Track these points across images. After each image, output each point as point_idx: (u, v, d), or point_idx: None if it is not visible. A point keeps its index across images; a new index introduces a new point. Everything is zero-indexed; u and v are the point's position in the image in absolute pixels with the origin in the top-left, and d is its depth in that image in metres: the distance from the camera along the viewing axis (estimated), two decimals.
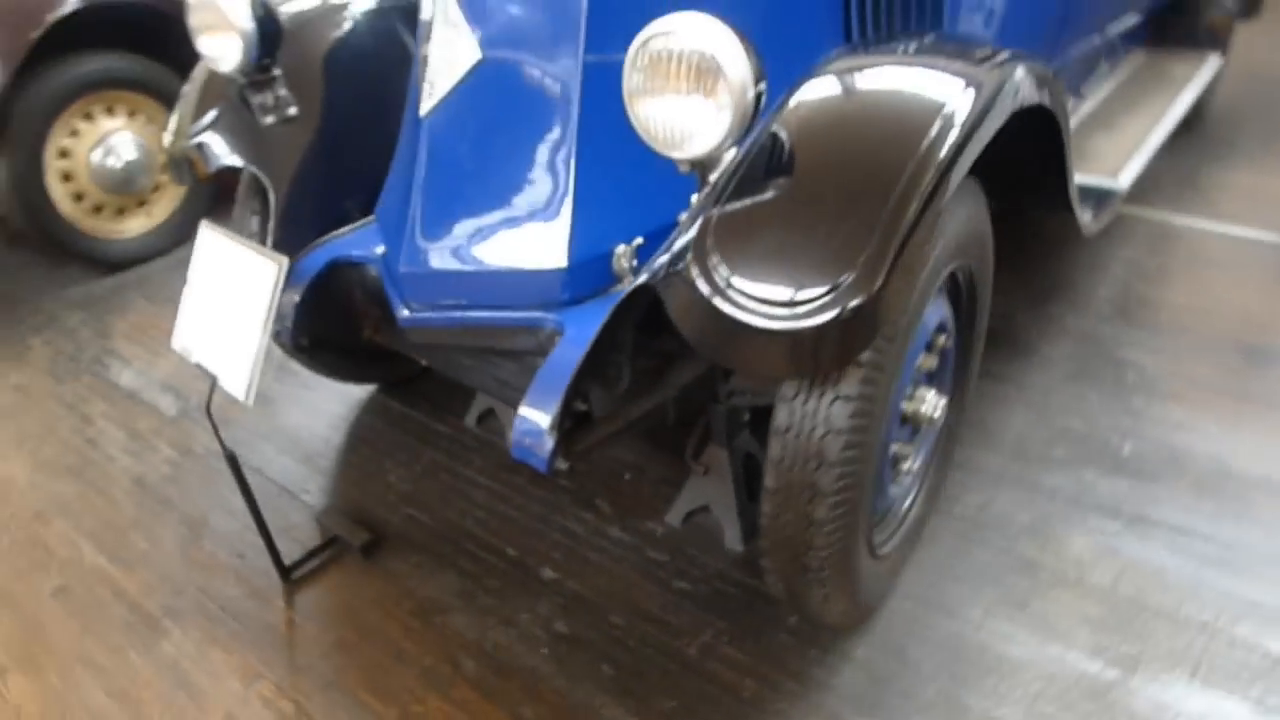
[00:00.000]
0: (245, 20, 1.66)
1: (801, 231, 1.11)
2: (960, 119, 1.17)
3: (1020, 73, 1.32)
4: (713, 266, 1.11)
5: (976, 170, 1.37)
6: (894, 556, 1.59)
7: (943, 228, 1.28)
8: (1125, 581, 1.68)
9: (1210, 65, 3.14)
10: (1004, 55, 1.34)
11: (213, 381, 1.60)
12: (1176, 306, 2.49)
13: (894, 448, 1.46)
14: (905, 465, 1.56)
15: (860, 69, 1.27)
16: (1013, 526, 1.82)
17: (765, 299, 1.08)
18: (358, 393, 2.41)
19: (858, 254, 1.08)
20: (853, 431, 1.20)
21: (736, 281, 1.09)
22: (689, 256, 1.13)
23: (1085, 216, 1.97)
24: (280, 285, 1.49)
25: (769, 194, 1.15)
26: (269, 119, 1.80)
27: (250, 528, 1.82)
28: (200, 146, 1.83)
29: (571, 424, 1.40)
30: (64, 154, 2.92)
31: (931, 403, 1.48)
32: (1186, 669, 1.52)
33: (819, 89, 1.25)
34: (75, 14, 2.75)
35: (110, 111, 2.99)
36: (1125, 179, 2.28)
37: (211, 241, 1.65)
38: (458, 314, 1.55)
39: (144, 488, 2.13)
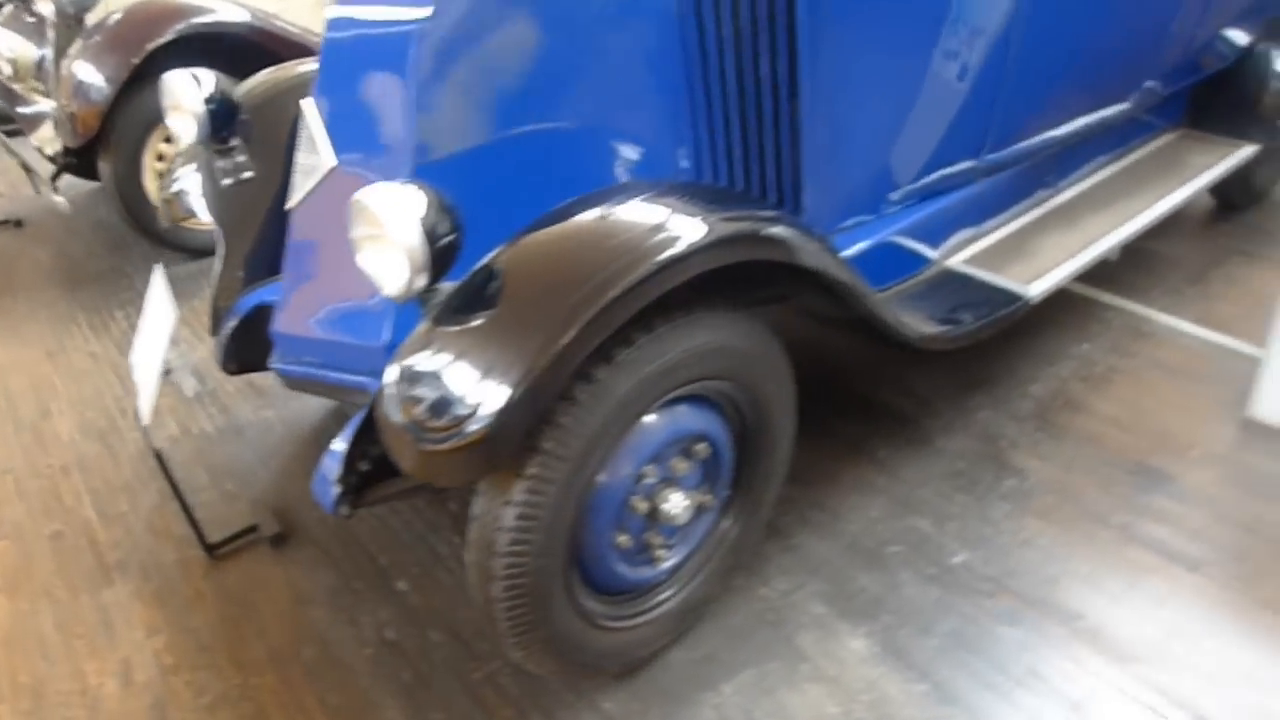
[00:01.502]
0: (198, 105, 2.04)
1: (460, 362, 1.35)
2: (625, 271, 1.36)
3: (732, 228, 1.48)
4: (392, 386, 1.38)
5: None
6: (645, 630, 1.80)
7: (637, 364, 1.47)
8: (878, 688, 1.80)
9: (1238, 156, 2.97)
10: (725, 212, 1.50)
11: (136, 395, 2.02)
12: (1099, 415, 2.47)
13: (621, 539, 1.66)
14: (662, 554, 1.76)
15: (574, 215, 1.48)
16: (805, 616, 1.96)
17: (415, 420, 1.33)
18: (331, 403, 2.81)
19: (494, 386, 1.31)
20: (519, 530, 1.44)
21: (404, 400, 1.35)
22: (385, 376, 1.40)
23: (922, 329, 2.02)
24: (172, 333, 1.88)
25: (456, 325, 1.40)
26: (227, 180, 2.19)
27: (203, 505, 2.25)
28: (178, 194, 2.25)
29: (361, 479, 1.70)
30: (160, 157, 3.49)
31: (676, 504, 1.68)
32: None
33: (532, 232, 1.47)
34: (173, 42, 3.28)
35: None
36: (1037, 289, 2.29)
37: (156, 283, 2.06)
38: (313, 370, 1.88)
39: (143, 457, 2.62)
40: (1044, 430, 2.43)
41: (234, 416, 2.75)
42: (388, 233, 1.35)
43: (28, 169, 3.44)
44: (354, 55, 1.74)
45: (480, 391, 1.32)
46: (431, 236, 1.36)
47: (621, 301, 1.37)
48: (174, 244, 3.64)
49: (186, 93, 2.03)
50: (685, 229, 1.45)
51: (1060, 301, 2.85)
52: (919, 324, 2.00)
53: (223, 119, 2.11)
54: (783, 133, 1.94)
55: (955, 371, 2.66)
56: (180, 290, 3.51)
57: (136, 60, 3.23)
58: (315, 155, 1.79)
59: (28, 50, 3.57)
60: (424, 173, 1.67)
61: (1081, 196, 2.73)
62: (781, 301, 1.93)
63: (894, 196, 2.23)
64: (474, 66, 1.68)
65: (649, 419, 1.62)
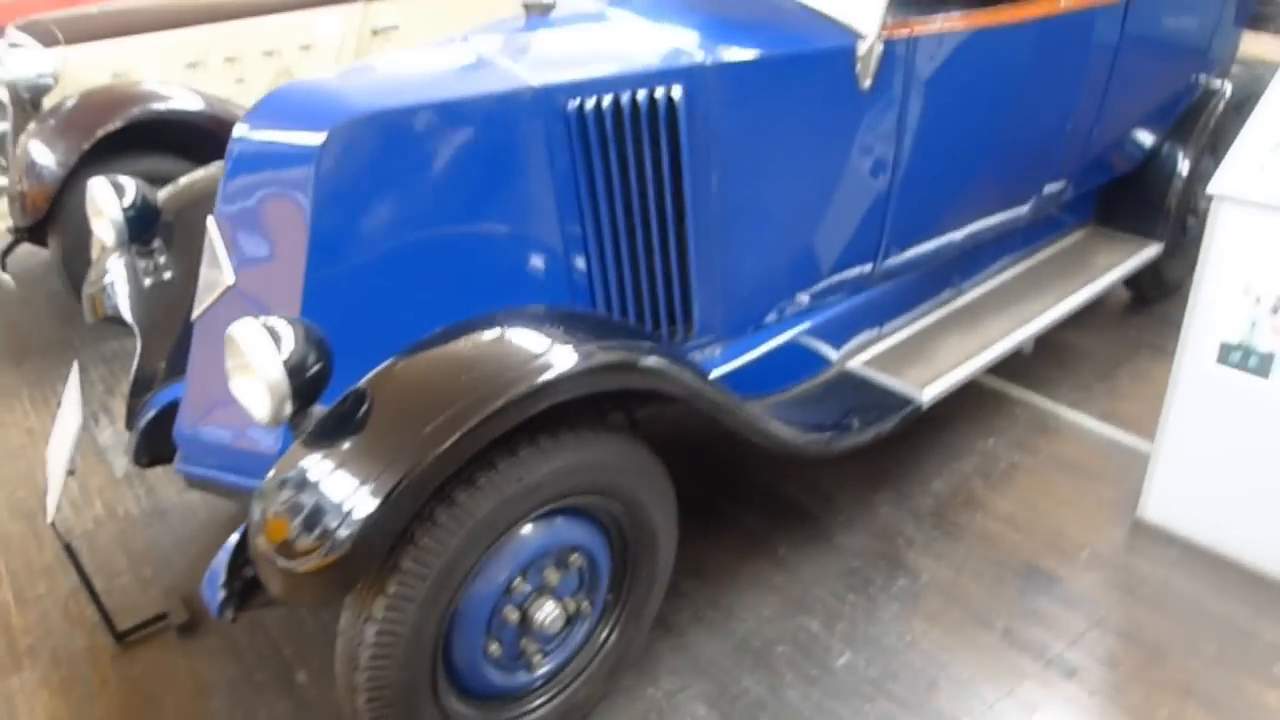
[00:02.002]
0: (117, 213, 2.13)
1: (321, 485, 1.42)
2: (483, 401, 1.44)
3: (597, 360, 1.56)
4: (257, 509, 1.45)
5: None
6: None
7: (499, 486, 1.54)
8: None
9: (1144, 254, 3.09)
10: (593, 342, 1.59)
11: (44, 492, 2.08)
12: (996, 514, 2.55)
13: (492, 647, 1.72)
14: (537, 660, 1.81)
15: (446, 342, 1.57)
16: (686, 718, 2.01)
17: (276, 544, 1.41)
18: None
19: (352, 509, 1.38)
20: (380, 646, 1.50)
21: (266, 522, 1.43)
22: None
23: (799, 441, 2.10)
24: (77, 436, 1.94)
25: (322, 449, 1.47)
26: (148, 281, 2.27)
27: (117, 591, 2.29)
28: (105, 289, 2.33)
29: (246, 585, 1.76)
30: None
31: (549, 613, 1.74)
32: None
33: (404, 358, 1.56)
34: (123, 128, 3.39)
35: None
36: (930, 393, 2.38)
37: (71, 382, 2.13)
38: (212, 473, 1.95)
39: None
40: (941, 528, 2.50)
41: (160, 499, 2.80)
42: (253, 366, 1.43)
43: None
44: (255, 176, 1.83)
45: (338, 514, 1.39)
46: (297, 369, 1.45)
47: (478, 430, 1.44)
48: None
49: (107, 200, 2.13)
50: (548, 358, 1.53)
51: (970, 394, 2.94)
52: (797, 435, 2.08)
53: (143, 224, 2.20)
54: (671, 249, 2.04)
55: (861, 465, 2.73)
56: (123, 364, 3.59)
57: (87, 145, 3.33)
58: (217, 270, 1.88)
59: None
60: (316, 294, 1.76)
61: (986, 296, 2.84)
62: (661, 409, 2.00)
63: (789, 303, 2.32)
64: (370, 190, 1.78)
65: (522, 530, 1.69)
